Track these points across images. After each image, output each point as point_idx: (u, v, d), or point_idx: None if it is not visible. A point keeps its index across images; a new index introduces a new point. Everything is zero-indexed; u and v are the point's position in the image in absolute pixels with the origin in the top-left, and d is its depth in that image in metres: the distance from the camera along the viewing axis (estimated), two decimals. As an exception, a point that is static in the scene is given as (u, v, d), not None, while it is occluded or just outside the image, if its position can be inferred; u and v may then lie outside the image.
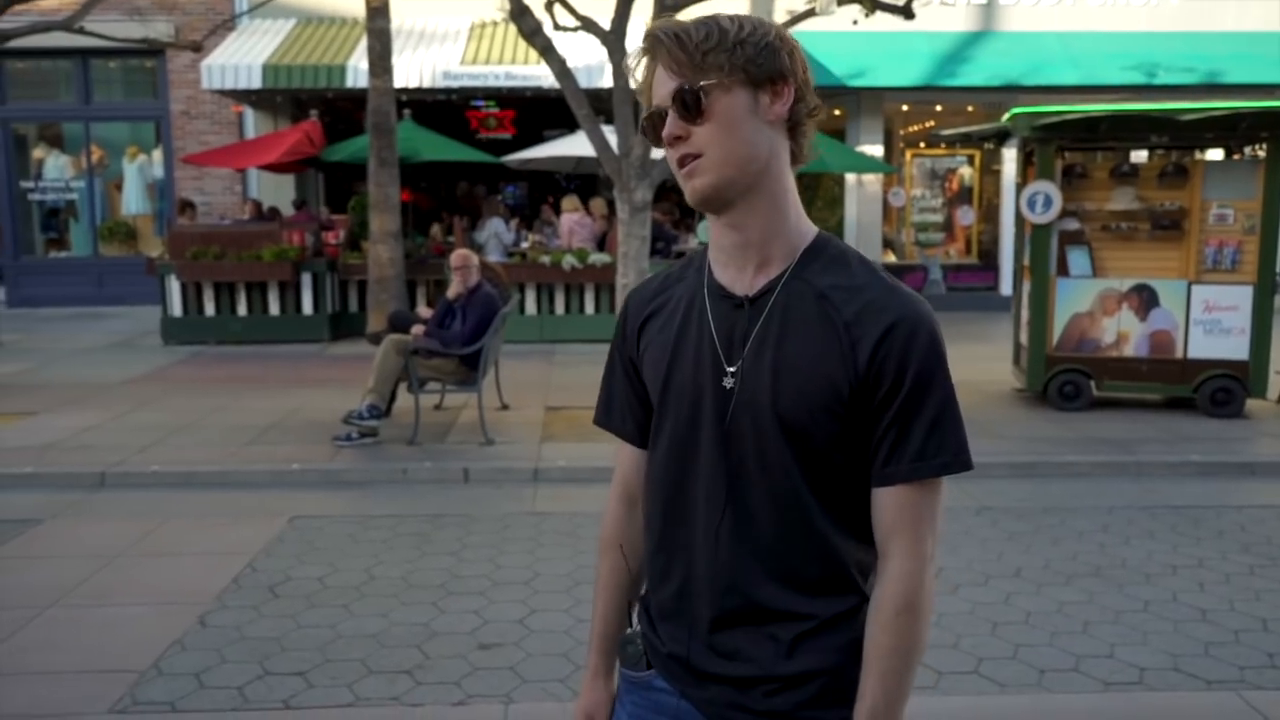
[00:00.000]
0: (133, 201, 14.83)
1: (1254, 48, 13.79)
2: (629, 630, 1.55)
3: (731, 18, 1.33)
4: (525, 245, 12.45)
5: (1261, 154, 7.72)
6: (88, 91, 14.61)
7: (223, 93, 13.19)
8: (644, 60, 1.36)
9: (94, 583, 4.59)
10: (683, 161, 1.33)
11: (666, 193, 12.44)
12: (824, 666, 1.36)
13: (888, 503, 1.32)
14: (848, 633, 1.37)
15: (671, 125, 1.32)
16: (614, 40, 7.12)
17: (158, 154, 14.81)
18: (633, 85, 1.41)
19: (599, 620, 1.59)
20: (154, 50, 12.24)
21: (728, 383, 1.35)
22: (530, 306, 11.40)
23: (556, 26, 7.47)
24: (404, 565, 4.82)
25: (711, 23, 1.31)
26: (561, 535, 5.25)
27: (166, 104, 14.41)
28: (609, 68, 7.45)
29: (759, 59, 1.30)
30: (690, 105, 1.30)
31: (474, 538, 5.22)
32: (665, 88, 1.33)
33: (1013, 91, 13.42)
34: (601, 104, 7.48)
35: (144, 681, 3.63)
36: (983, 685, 3.61)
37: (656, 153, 7.47)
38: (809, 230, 1.40)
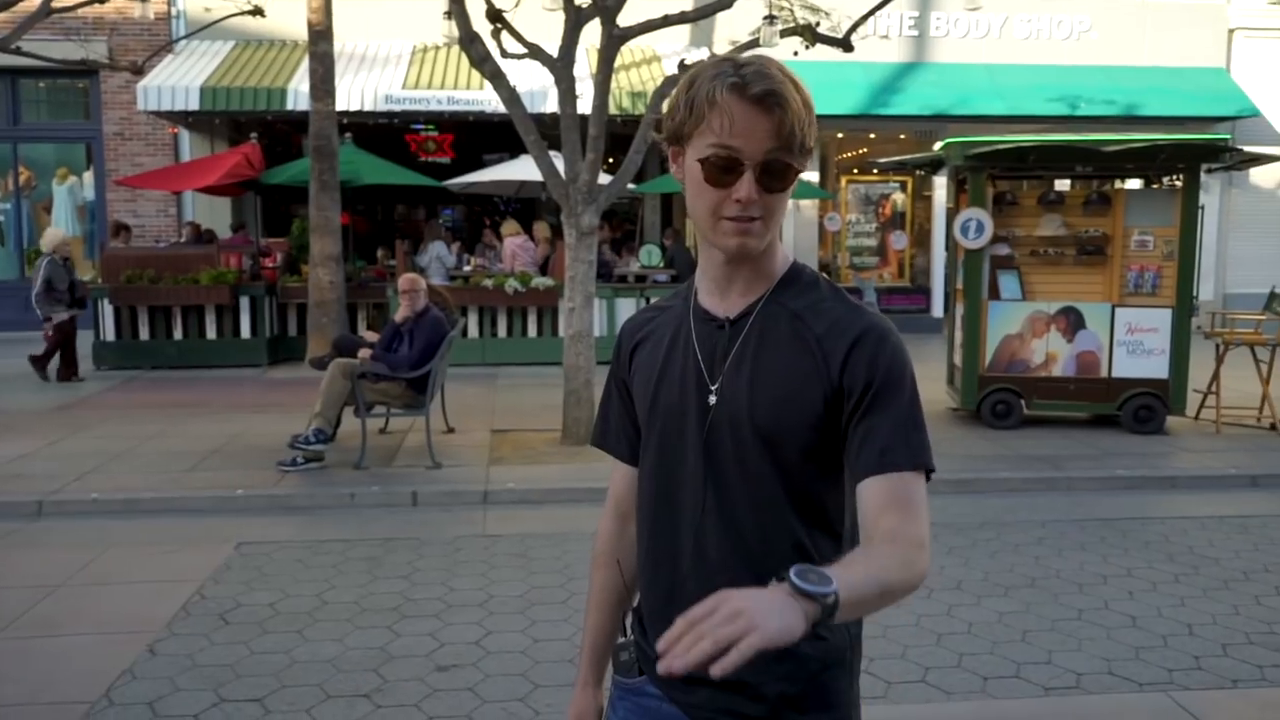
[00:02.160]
0: (62, 224, 14.49)
1: (1167, 82, 14.46)
2: (622, 639, 1.63)
3: (801, 86, 1.36)
4: (468, 268, 12.46)
5: (1178, 184, 8.12)
6: (15, 112, 14.29)
7: (159, 114, 13.02)
8: (724, 89, 1.33)
9: (37, 613, 4.50)
10: (741, 218, 1.38)
11: (605, 218, 12.58)
12: (804, 673, 1.44)
13: (865, 495, 1.36)
14: (826, 639, 1.44)
15: (752, 189, 1.35)
16: (561, 68, 7.22)
17: (89, 176, 14.52)
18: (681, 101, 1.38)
19: (590, 632, 1.66)
20: (87, 71, 12.03)
21: (711, 399, 1.45)
22: (473, 329, 11.41)
23: (504, 54, 7.55)
24: (356, 590, 4.81)
25: (801, 96, 1.35)
26: (514, 557, 5.28)
27: (99, 125, 14.16)
28: (553, 93, 7.56)
29: (812, 140, 1.39)
30: (780, 178, 1.37)
31: (425, 561, 5.23)
32: (759, 144, 1.33)
33: (942, 121, 13.89)
34: (546, 129, 7.57)
35: (95, 712, 3.58)
36: (930, 693, 3.74)
37: (603, 178, 7.58)
38: (786, 260, 1.51)
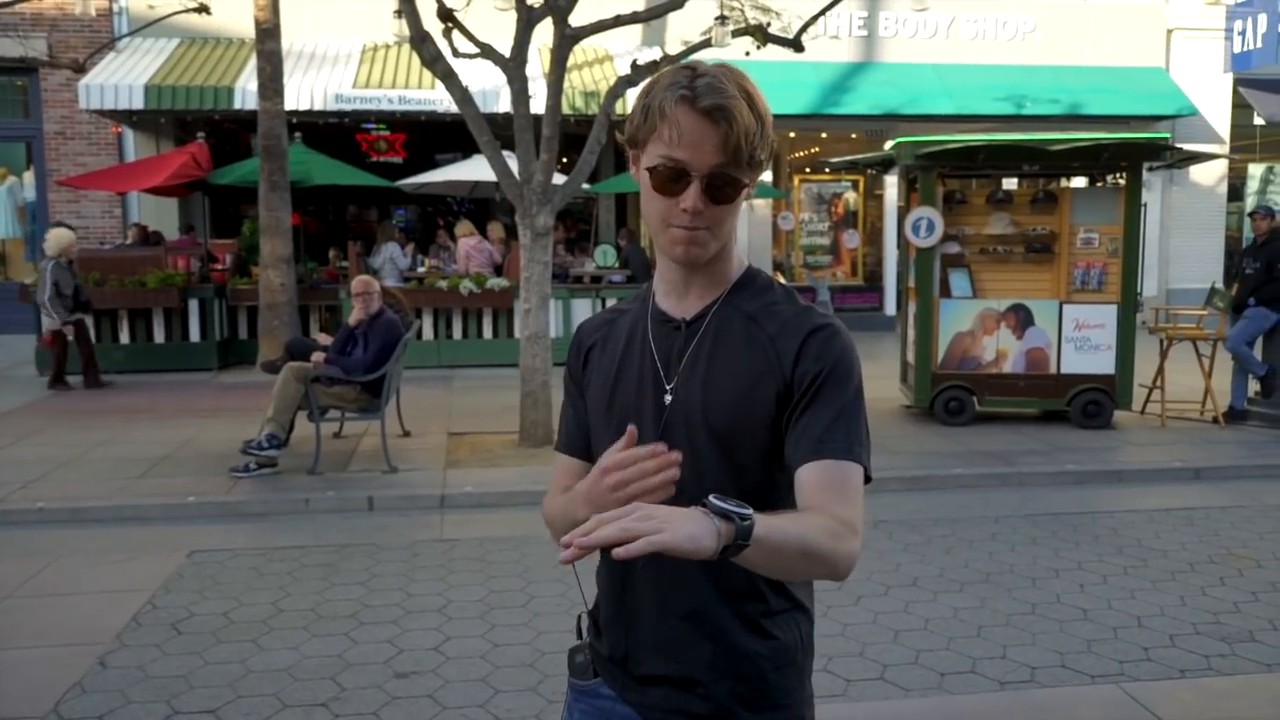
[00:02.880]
0: (1, 225, 14.16)
1: (1109, 81, 14.76)
2: (577, 642, 1.63)
3: (756, 100, 1.37)
4: (422, 270, 12.36)
5: (1121, 182, 8.29)
6: (-50, 110, 13.91)
7: (102, 113, 12.73)
8: (674, 101, 1.35)
9: (-19, 627, 4.40)
10: (687, 227, 1.39)
11: (559, 218, 12.55)
12: (754, 672, 1.46)
13: (802, 480, 1.36)
14: (776, 637, 1.47)
15: (698, 200, 1.37)
16: (514, 68, 7.19)
17: (29, 176, 14.18)
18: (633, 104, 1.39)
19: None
20: (26, 68, 11.74)
21: (667, 399, 1.47)
22: (428, 331, 11.32)
23: (456, 54, 7.49)
24: (312, 597, 4.75)
25: (755, 110, 1.36)
26: (472, 561, 5.25)
27: (39, 124, 13.83)
28: (506, 93, 7.52)
29: (767, 155, 1.41)
30: (726, 192, 1.38)
31: (383, 567, 5.18)
32: (706, 157, 1.35)
33: (892, 120, 14.04)
34: (498, 129, 7.52)
35: (44, 727, 3.51)
36: (889, 690, 3.79)
37: (558, 178, 7.56)
38: (741, 264, 1.53)
